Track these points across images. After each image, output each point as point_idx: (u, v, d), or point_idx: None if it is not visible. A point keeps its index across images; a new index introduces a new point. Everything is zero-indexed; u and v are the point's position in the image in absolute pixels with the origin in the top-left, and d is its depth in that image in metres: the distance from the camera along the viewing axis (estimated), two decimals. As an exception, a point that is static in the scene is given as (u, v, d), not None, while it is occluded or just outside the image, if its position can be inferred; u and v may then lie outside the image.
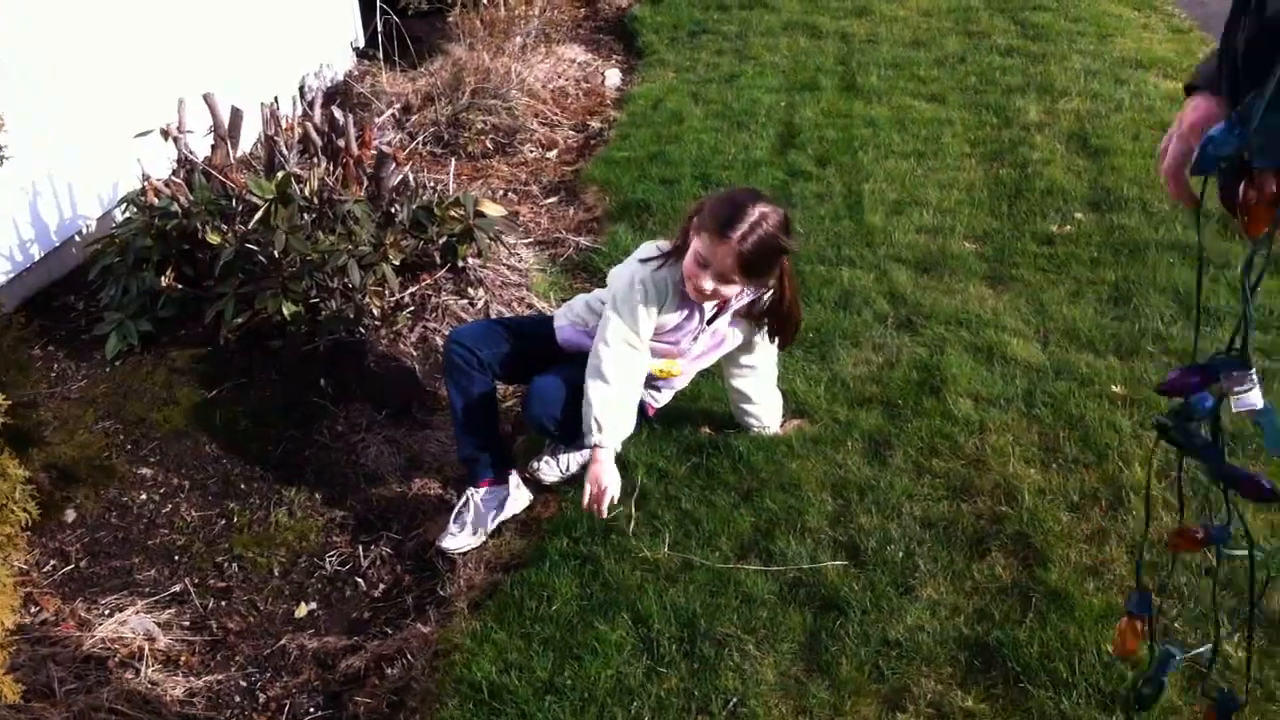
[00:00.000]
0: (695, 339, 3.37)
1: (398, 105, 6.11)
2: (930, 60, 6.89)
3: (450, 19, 6.81)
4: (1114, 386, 3.72)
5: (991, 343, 3.99)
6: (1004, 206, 5.00)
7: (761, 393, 3.57)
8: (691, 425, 3.67)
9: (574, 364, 3.32)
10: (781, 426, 3.63)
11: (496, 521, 3.37)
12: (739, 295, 3.26)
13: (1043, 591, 2.93)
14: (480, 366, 3.37)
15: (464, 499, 3.37)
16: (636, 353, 3.22)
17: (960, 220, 4.89)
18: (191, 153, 4.30)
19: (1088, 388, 3.73)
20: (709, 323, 3.33)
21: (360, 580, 3.32)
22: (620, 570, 3.10)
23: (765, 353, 3.49)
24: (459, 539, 3.31)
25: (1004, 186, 5.19)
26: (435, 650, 2.98)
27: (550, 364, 3.40)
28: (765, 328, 3.38)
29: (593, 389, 3.18)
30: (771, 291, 3.28)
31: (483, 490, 3.36)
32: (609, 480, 3.15)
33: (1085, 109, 5.99)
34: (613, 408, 3.17)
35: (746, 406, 3.57)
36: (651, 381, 3.50)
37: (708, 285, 3.09)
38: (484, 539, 3.35)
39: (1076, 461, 3.41)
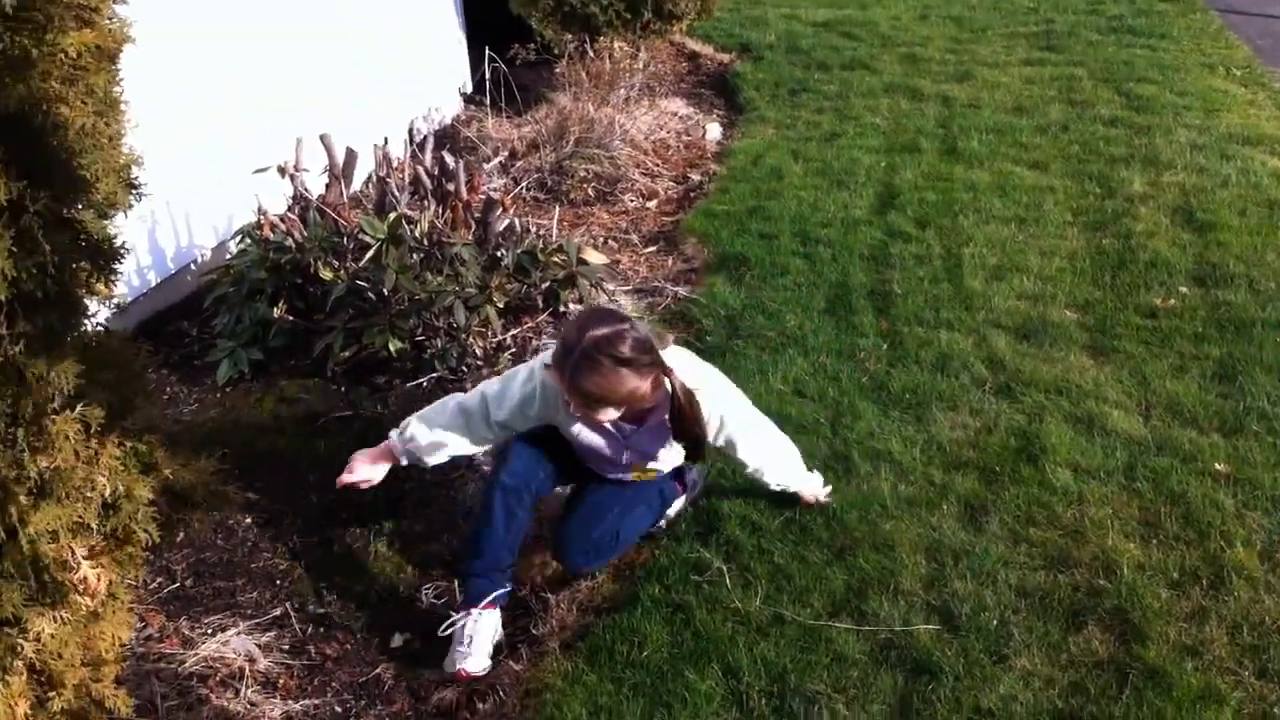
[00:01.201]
0: (624, 454, 3.23)
1: (504, 152, 6.23)
2: (1032, 127, 6.88)
3: (558, 69, 6.95)
4: (1217, 464, 3.68)
5: (1092, 413, 3.96)
6: (1106, 277, 4.97)
7: (766, 465, 3.38)
8: (786, 480, 3.68)
9: (591, 488, 3.31)
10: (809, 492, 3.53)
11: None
12: (650, 414, 3.13)
13: (1140, 669, 2.89)
14: (531, 498, 3.26)
15: (471, 619, 3.18)
16: (486, 428, 3.16)
17: (1061, 289, 4.87)
18: (307, 190, 4.44)
19: (1190, 464, 3.68)
20: (627, 440, 3.19)
21: (454, 614, 3.36)
22: (711, 621, 3.12)
23: (740, 444, 3.26)
24: (480, 660, 3.13)
25: (1107, 257, 5.16)
26: (527, 688, 3.02)
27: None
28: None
29: (435, 407, 3.20)
30: (666, 407, 3.07)
31: (489, 613, 3.21)
32: (363, 469, 3.16)
33: (1190, 183, 5.94)
34: (430, 438, 3.17)
35: (764, 480, 3.43)
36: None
37: (577, 414, 3.03)
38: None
39: (1177, 539, 3.36)
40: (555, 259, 4.42)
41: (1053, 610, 3.11)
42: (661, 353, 2.95)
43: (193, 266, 4.80)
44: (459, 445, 3.21)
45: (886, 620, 3.09)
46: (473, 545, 3.25)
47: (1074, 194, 5.89)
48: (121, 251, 1.98)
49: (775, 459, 3.38)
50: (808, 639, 3.04)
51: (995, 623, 3.07)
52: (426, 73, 7.00)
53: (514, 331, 4.32)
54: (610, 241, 5.72)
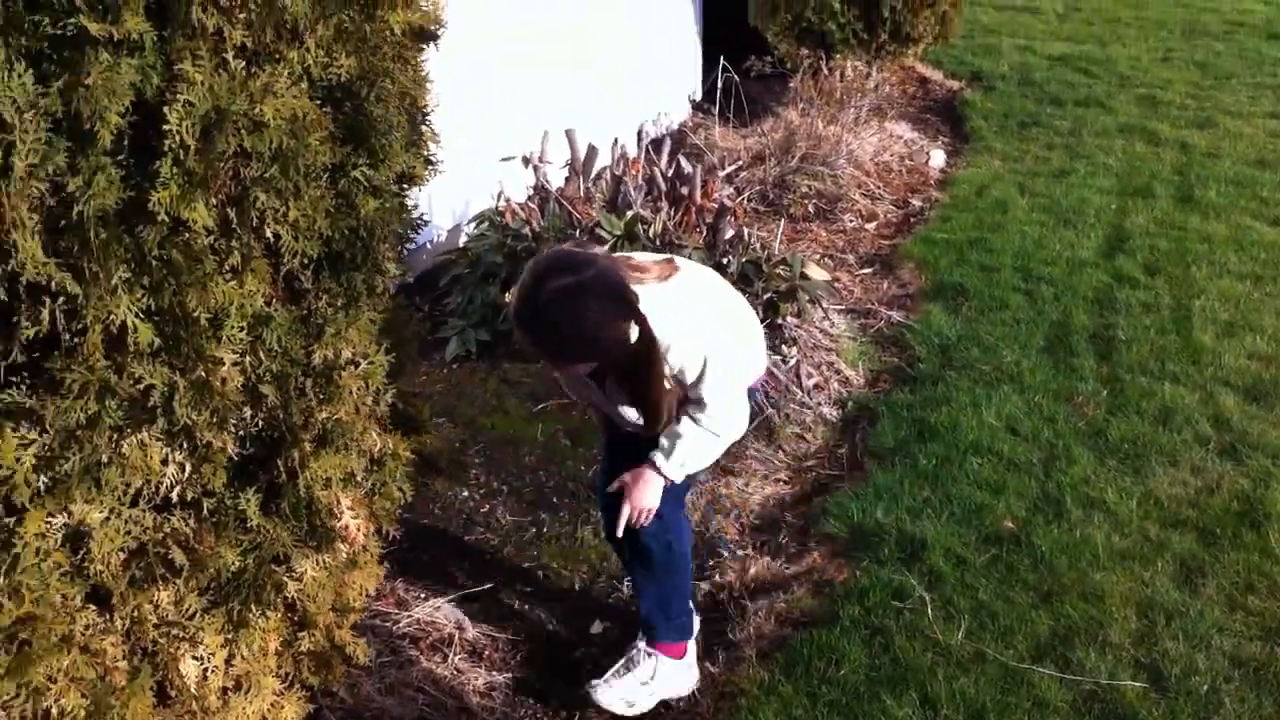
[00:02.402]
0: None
1: (731, 162, 6.30)
2: (1275, 182, 6.60)
3: (791, 84, 6.99)
4: None
5: (1323, 485, 3.81)
6: (1347, 345, 4.76)
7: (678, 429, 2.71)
8: (994, 516, 3.65)
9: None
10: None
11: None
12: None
13: (1359, 755, 2.79)
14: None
15: (647, 655, 3.06)
16: None
17: (1297, 352, 4.68)
18: (548, 181, 4.59)
19: None
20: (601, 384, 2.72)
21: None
22: (911, 648, 3.12)
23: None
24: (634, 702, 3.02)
25: (1348, 324, 4.93)
26: (721, 691, 3.07)
27: None
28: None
29: None
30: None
31: (672, 660, 3.08)
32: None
33: None
34: None
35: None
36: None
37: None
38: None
39: None
40: (779, 271, 4.46)
41: (1267, 683, 3.01)
42: (651, 285, 2.57)
43: (429, 246, 5.00)
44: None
45: (1092, 671, 3.04)
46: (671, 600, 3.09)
47: (1317, 256, 5.64)
48: (419, 222, 2.11)
49: (692, 428, 2.69)
50: (1009, 680, 3.02)
51: (1205, 688, 2.98)
52: (660, 78, 7.14)
53: (731, 339, 4.37)
54: (826, 259, 5.73)
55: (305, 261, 1.93)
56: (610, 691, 3.01)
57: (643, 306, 2.47)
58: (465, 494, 3.75)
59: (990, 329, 4.87)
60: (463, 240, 4.83)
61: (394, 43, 1.96)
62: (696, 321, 2.64)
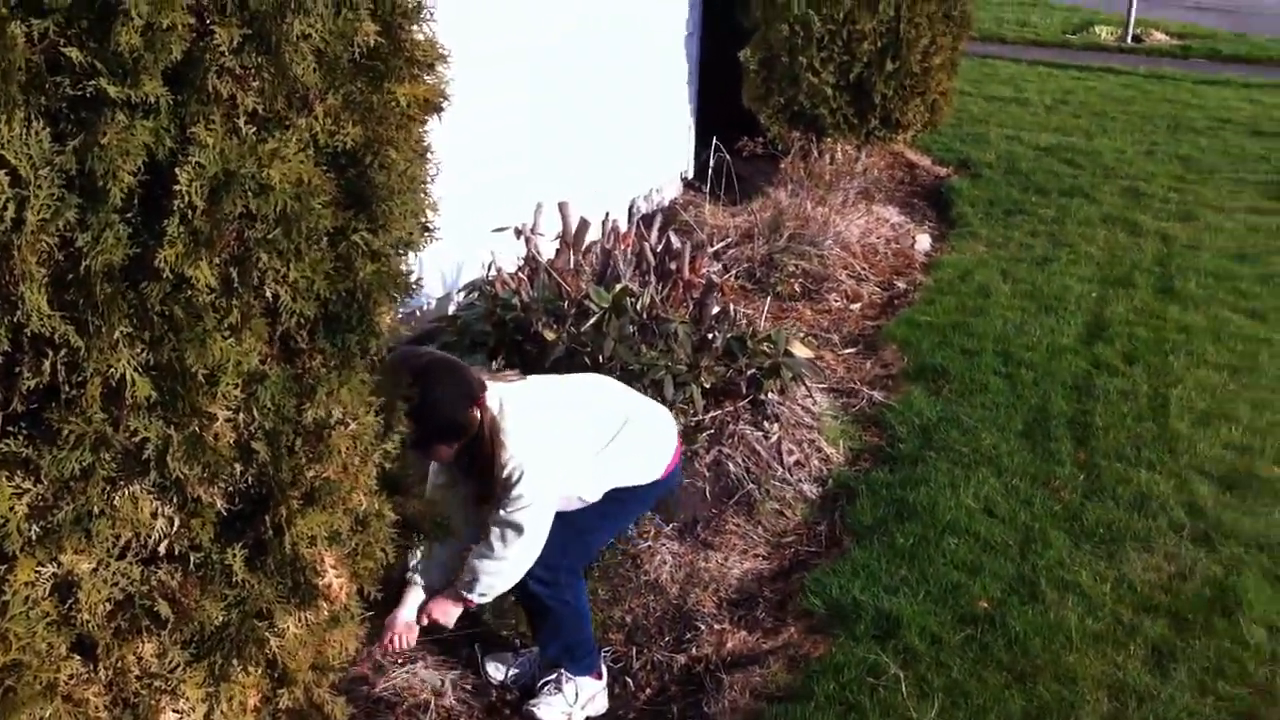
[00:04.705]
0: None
1: (722, 240, 6.40)
2: (1254, 276, 6.72)
3: (782, 165, 7.12)
4: None
5: (1294, 574, 3.86)
6: (1321, 438, 4.84)
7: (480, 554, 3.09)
8: (969, 596, 3.69)
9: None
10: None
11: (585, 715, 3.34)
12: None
13: (1325, 843, 2.81)
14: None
15: (568, 679, 3.29)
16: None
17: (1272, 443, 4.74)
18: (538, 253, 4.66)
19: (1396, 641, 3.56)
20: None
21: (630, 680, 3.46)
22: (884, 725, 3.15)
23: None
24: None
25: (1322, 418, 5.02)
26: (695, 763, 3.09)
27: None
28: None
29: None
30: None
31: (591, 680, 3.34)
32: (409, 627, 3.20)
33: None
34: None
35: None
36: None
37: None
38: None
39: (1376, 715, 3.25)
40: (763, 347, 4.53)
41: (1237, 770, 3.05)
42: (493, 394, 2.99)
43: (418, 313, 5.06)
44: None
45: (1062, 752, 3.07)
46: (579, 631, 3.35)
47: (1293, 349, 5.74)
48: (414, 287, 2.18)
49: (487, 558, 3.07)
50: (980, 758, 3.04)
51: (1175, 773, 3.02)
52: (653, 155, 7.27)
53: (714, 413, 4.43)
54: (810, 338, 5.80)
55: (302, 321, 1.98)
56: (551, 709, 3.25)
57: (490, 399, 2.97)
58: (446, 558, 3.78)
59: (970, 411, 4.94)
60: (453, 308, 4.89)
61: (399, 113, 2.03)
62: (533, 428, 3.02)
